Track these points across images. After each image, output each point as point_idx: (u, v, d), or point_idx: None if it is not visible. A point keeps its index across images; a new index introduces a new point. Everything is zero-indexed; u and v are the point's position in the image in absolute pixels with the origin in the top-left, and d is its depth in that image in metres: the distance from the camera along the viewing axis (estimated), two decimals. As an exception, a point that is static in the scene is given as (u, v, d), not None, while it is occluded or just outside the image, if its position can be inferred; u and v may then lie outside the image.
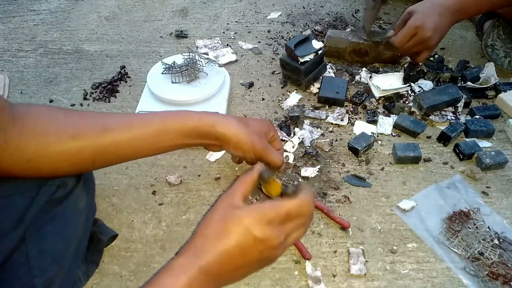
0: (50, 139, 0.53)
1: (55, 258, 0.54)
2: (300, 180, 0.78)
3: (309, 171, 0.80)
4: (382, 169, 0.81)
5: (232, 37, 1.19)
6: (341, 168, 0.81)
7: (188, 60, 0.95)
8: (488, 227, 0.69)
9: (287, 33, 1.20)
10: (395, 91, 0.94)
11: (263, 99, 0.98)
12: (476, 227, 0.69)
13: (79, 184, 0.60)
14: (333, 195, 0.76)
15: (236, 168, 0.82)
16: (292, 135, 0.88)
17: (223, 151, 0.83)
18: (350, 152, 0.84)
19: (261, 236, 0.47)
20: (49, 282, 0.53)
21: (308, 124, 0.90)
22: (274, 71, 1.06)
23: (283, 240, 0.49)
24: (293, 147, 0.85)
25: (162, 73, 0.95)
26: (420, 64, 1.02)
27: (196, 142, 0.65)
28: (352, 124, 0.90)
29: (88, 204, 0.62)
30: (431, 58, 1.05)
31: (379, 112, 0.92)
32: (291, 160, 0.82)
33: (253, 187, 0.54)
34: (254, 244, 0.47)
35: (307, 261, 0.66)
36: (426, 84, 0.97)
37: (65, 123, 0.55)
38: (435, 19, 0.91)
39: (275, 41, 1.17)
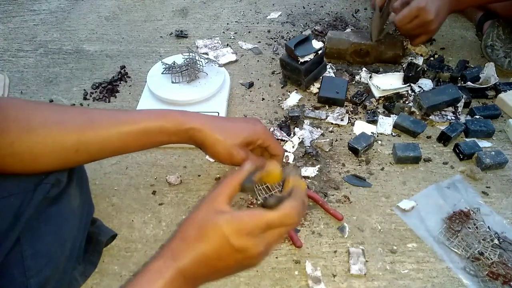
0: (34, 125, 0.52)
1: (50, 258, 0.54)
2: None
3: (309, 171, 0.80)
4: (382, 169, 0.81)
5: (232, 37, 1.19)
6: (341, 168, 0.81)
7: (188, 60, 0.95)
8: (488, 227, 0.69)
9: (287, 33, 1.20)
10: (395, 91, 0.94)
11: (263, 99, 0.98)
12: (476, 227, 0.69)
13: (72, 183, 0.59)
14: (333, 195, 0.76)
15: (236, 168, 0.81)
16: (292, 135, 0.88)
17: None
18: (350, 152, 0.84)
19: (239, 247, 0.47)
20: (44, 283, 0.53)
21: (308, 124, 0.90)
22: (274, 71, 1.06)
23: (263, 249, 0.49)
24: (293, 147, 0.85)
25: (162, 73, 0.95)
26: (421, 64, 1.02)
27: (181, 142, 0.65)
28: (352, 124, 0.90)
29: (82, 204, 0.62)
30: (431, 58, 1.05)
31: (379, 112, 0.92)
32: (291, 160, 0.82)
33: (239, 189, 0.53)
34: (232, 253, 0.47)
35: (307, 261, 0.66)
36: (426, 84, 0.97)
37: (50, 112, 0.55)
38: (437, 3, 0.91)
39: (275, 41, 1.17)
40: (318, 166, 0.81)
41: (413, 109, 0.91)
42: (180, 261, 0.46)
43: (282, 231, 0.51)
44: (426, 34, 0.96)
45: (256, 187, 0.55)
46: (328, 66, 1.03)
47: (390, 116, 0.91)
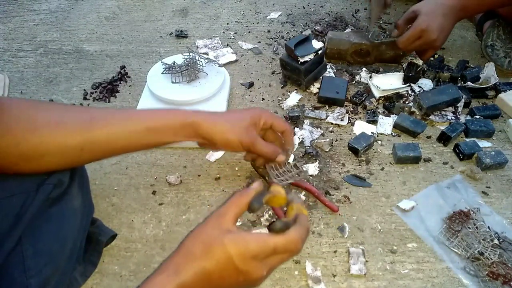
0: (38, 124, 0.53)
1: (51, 258, 0.54)
2: (302, 172, 0.76)
3: (310, 168, 0.80)
4: (382, 169, 0.81)
5: (232, 37, 1.19)
6: (341, 168, 0.81)
7: (188, 60, 0.95)
8: (488, 227, 0.69)
9: (287, 33, 1.20)
10: (395, 91, 0.94)
11: (263, 99, 0.98)
12: (476, 227, 0.69)
13: (74, 184, 0.59)
14: (333, 195, 0.76)
15: (236, 168, 0.82)
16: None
17: (223, 151, 0.84)
18: (350, 152, 0.84)
19: (243, 269, 0.47)
20: (45, 283, 0.53)
21: (308, 124, 0.90)
22: (274, 71, 1.06)
23: (265, 274, 0.49)
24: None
25: (162, 73, 0.95)
26: (421, 64, 1.02)
27: (186, 139, 0.65)
28: (352, 124, 0.90)
29: (83, 204, 0.62)
30: (431, 58, 1.05)
31: (379, 112, 0.92)
32: (291, 160, 0.82)
33: (246, 209, 0.53)
34: (234, 274, 0.47)
35: (307, 261, 0.66)
36: (426, 84, 0.97)
37: (52, 111, 0.55)
38: (440, 20, 0.91)
39: (275, 41, 1.17)
40: (318, 166, 0.81)
41: (413, 109, 0.91)
42: (183, 276, 0.46)
43: (285, 257, 0.51)
44: (433, 49, 0.97)
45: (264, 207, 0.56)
46: (328, 66, 1.03)
47: (390, 116, 0.91)
